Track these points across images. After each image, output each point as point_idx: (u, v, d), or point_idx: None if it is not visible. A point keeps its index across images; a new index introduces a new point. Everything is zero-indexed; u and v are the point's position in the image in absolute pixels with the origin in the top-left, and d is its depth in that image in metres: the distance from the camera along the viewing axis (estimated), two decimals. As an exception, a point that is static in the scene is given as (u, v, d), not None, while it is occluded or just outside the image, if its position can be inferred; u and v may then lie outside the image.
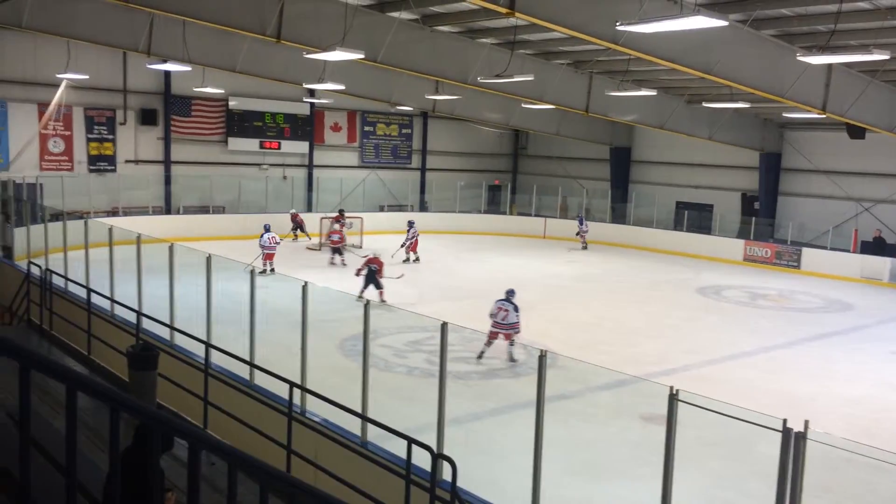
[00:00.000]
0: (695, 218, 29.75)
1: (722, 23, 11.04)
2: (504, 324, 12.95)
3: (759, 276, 24.79)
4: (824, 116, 19.15)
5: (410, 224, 24.33)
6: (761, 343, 15.89)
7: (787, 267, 26.00)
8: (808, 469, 5.03)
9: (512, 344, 13.07)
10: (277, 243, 20.71)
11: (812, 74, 17.09)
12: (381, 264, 17.49)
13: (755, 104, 22.65)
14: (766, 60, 16.45)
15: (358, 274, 17.55)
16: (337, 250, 22.79)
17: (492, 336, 13.08)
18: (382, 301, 16.83)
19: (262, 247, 20.32)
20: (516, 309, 13.02)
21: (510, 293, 13.27)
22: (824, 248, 25.97)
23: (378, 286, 17.25)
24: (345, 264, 21.72)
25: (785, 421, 4.96)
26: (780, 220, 28.47)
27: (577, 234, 29.36)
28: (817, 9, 14.40)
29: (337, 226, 23.95)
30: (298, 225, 27.40)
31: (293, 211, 27.84)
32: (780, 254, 26.53)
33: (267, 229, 20.61)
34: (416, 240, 24.04)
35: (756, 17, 14.46)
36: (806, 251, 26.09)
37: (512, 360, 13.06)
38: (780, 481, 5.05)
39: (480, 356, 13.11)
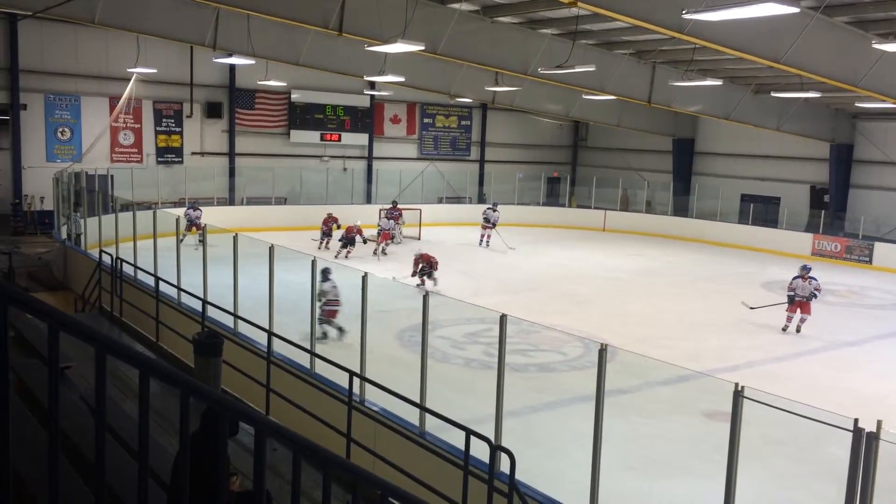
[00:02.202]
0: (761, 211, 28.97)
1: (793, 9, 10.70)
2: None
3: (828, 271, 23.92)
4: (900, 106, 18.44)
5: (390, 215, 24.47)
6: (829, 340, 15.41)
7: (857, 262, 25.11)
8: (878, 470, 4.88)
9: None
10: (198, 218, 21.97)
11: (888, 62, 16.40)
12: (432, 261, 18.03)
13: (826, 94, 21.86)
14: (839, 48, 15.87)
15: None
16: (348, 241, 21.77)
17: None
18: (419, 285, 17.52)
19: (189, 219, 21.53)
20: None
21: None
22: (898, 242, 25.04)
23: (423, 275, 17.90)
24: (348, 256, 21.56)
25: (856, 420, 4.81)
26: (851, 213, 27.50)
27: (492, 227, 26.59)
28: (894, -7, 13.85)
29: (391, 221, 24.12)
30: (328, 231, 23.18)
31: (329, 213, 23.73)
32: (851, 248, 25.63)
33: (194, 208, 22.97)
34: (388, 232, 23.84)
35: (829, 3, 13.93)
36: (878, 246, 25.16)
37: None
38: (849, 482, 4.90)
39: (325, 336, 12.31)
